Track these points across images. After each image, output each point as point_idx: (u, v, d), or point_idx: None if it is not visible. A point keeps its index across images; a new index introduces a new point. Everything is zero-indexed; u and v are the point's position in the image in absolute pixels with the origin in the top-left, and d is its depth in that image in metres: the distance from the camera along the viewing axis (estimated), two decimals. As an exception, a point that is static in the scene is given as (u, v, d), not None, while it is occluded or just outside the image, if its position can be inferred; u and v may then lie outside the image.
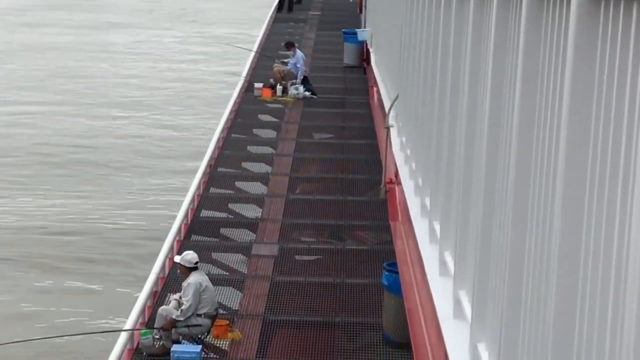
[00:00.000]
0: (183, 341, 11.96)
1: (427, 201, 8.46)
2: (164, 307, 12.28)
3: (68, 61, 40.00)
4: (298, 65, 24.16)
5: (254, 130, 21.77)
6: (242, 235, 15.64)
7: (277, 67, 24.36)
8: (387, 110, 13.70)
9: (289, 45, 25.12)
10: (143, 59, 41.45)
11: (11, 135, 30.44)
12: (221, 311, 12.50)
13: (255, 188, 18.07)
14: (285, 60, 24.79)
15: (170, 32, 48.51)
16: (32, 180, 27.16)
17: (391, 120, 12.96)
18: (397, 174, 11.73)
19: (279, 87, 23.56)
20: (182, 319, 11.75)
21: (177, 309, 11.95)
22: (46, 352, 16.13)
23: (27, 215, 23.84)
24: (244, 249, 15.03)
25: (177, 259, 12.75)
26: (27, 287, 20.09)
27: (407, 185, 10.85)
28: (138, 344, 11.97)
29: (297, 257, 15.00)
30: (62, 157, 28.91)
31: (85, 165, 27.35)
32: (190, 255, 12.30)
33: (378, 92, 18.55)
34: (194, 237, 15.37)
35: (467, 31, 6.38)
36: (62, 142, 30.53)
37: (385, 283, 11.68)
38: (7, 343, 14.03)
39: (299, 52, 24.77)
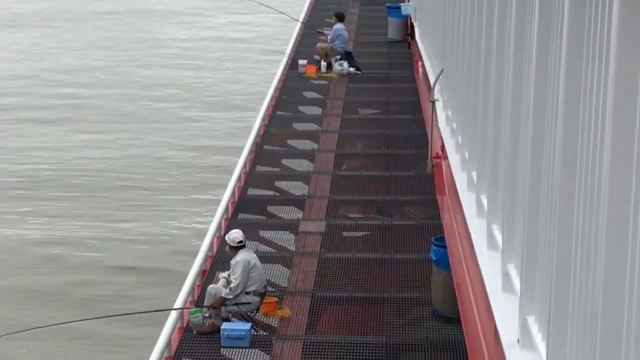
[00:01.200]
0: (232, 319, 11.96)
1: (474, 175, 8.47)
2: (213, 285, 12.27)
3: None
4: (335, 39, 24.14)
5: (299, 107, 21.72)
6: (289, 213, 15.67)
7: (320, 45, 24.37)
8: (432, 84, 13.69)
9: (337, 17, 24.98)
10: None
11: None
12: (270, 288, 12.52)
13: (302, 165, 18.09)
14: (327, 31, 24.71)
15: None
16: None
17: (436, 94, 12.95)
18: (443, 148, 11.73)
19: (323, 64, 23.39)
20: (231, 297, 11.77)
21: (226, 287, 11.97)
22: (98, 332, 16.49)
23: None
24: (292, 226, 15.07)
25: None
26: (76, 267, 20.68)
27: (454, 159, 10.87)
28: (188, 322, 11.99)
29: (345, 234, 15.03)
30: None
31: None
32: (234, 234, 12.35)
33: (423, 66, 18.48)
34: (241, 215, 15.42)
35: (511, 3, 6.36)
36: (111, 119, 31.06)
37: (434, 258, 11.69)
38: (61, 323, 14.49)
39: (335, 26, 24.51)
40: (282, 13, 28.88)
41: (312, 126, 20.46)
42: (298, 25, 27.92)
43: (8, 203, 23.81)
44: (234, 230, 12.62)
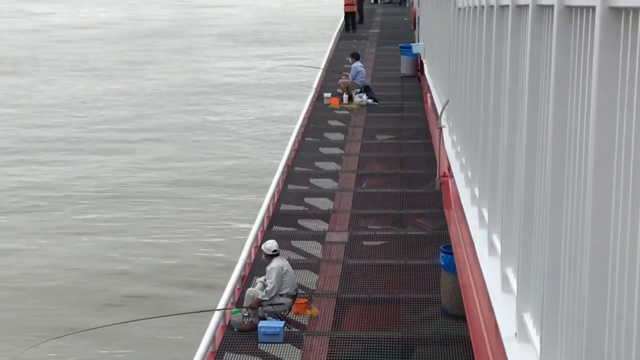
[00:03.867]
0: (268, 318, 11.64)
1: (476, 191, 8.36)
2: (251, 288, 11.93)
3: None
4: (355, 76, 23.91)
5: (324, 134, 21.47)
6: (317, 225, 15.36)
7: (342, 80, 24.17)
8: (439, 112, 13.50)
9: (353, 56, 24.79)
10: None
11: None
12: (300, 291, 12.10)
13: (327, 184, 17.66)
14: (346, 73, 24.58)
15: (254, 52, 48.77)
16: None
17: (443, 122, 12.74)
18: (449, 168, 11.49)
19: (345, 96, 23.16)
20: (267, 298, 11.43)
21: (262, 290, 11.58)
22: (146, 334, 15.68)
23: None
24: (319, 236, 14.74)
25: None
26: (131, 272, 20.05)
27: (459, 177, 10.65)
28: (229, 321, 11.69)
29: (365, 243, 14.57)
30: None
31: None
32: (269, 244, 12.01)
33: (431, 97, 18.13)
34: (275, 228, 15.06)
35: (506, 42, 6.27)
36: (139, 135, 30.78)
37: (442, 263, 11.41)
38: (112, 324, 13.70)
39: (354, 65, 24.26)
40: (314, 67, 29.34)
41: (336, 150, 20.14)
42: (322, 68, 27.99)
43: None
44: (269, 241, 12.28)
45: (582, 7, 3.75)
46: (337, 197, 16.57)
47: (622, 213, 3.06)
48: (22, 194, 24.43)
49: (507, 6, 6.15)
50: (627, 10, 2.99)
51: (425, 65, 21.23)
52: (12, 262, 19.85)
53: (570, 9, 4.03)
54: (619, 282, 3.10)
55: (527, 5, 5.26)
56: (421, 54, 22.71)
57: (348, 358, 11.11)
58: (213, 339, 10.94)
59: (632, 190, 2.91)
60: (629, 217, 2.96)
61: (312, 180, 17.92)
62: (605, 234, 3.27)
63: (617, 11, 3.11)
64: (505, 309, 5.63)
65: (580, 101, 3.81)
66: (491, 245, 7.00)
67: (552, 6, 4.36)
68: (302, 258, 13.82)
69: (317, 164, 19.15)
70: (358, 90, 23.36)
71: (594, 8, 3.35)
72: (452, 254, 10.49)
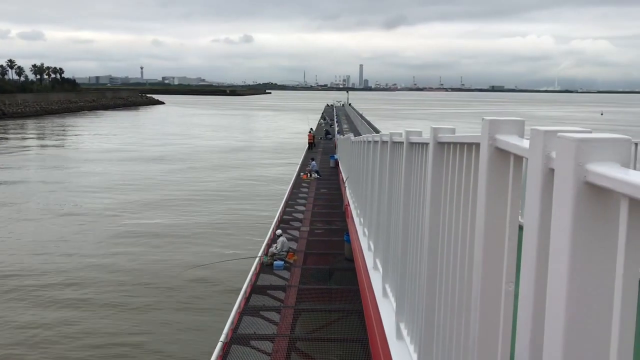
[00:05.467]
0: (278, 260, 17.44)
1: (372, 244, 9.01)
2: (271, 248, 18.04)
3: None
4: (312, 167, 39.01)
5: (301, 188, 33.42)
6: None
7: (307, 169, 39.24)
8: (344, 179, 20.35)
9: (311, 159, 41.16)
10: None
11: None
12: (290, 249, 18.27)
13: (301, 207, 27.64)
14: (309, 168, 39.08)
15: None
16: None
17: (345, 181, 18.94)
18: (348, 203, 15.84)
19: (309, 175, 38.01)
20: (277, 252, 17.76)
21: (276, 249, 17.88)
22: (204, 273, 22.43)
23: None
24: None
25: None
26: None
27: (353, 206, 13.89)
28: (262, 261, 17.21)
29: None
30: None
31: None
32: (278, 232, 18.71)
33: (341, 174, 27.04)
34: (282, 226, 22.60)
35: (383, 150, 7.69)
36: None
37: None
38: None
39: (312, 163, 39.30)
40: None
41: (304, 195, 30.98)
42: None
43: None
44: (278, 230, 19.83)
45: (420, 144, 4.52)
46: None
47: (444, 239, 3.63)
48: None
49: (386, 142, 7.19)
50: (448, 144, 3.57)
51: (339, 162, 35.88)
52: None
53: (412, 145, 4.84)
54: (445, 292, 3.59)
55: (386, 142, 6.88)
56: (338, 159, 38.71)
57: (312, 276, 16.98)
58: (256, 269, 16.76)
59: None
60: (446, 240, 3.57)
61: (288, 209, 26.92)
62: (436, 256, 3.83)
63: (442, 145, 3.72)
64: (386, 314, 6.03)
65: (419, 193, 4.59)
66: (376, 268, 7.97)
67: (402, 143, 5.34)
68: (291, 236, 21.17)
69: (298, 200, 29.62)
70: (314, 171, 38.63)
71: (427, 144, 4.03)
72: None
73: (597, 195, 1.63)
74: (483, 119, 2.59)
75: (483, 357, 2.68)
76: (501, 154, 2.54)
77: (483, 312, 2.63)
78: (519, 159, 2.49)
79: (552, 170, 1.84)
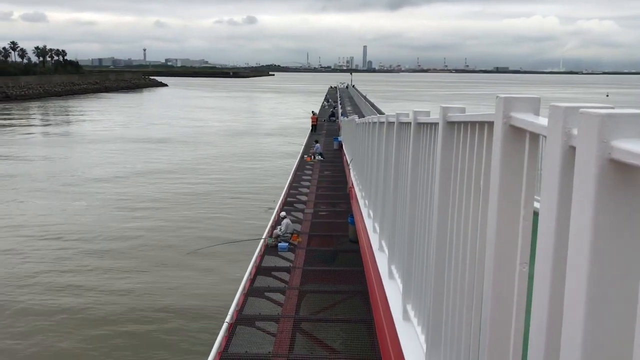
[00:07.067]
0: (282, 242, 17.97)
1: (377, 225, 9.17)
2: (275, 230, 18.44)
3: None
4: (316, 149, 39.31)
5: (305, 170, 34.04)
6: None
7: (311, 151, 40.22)
8: (348, 162, 20.85)
9: (315, 141, 43.08)
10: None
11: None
12: (294, 231, 18.68)
13: (305, 190, 27.87)
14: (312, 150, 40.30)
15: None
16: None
17: (349, 160, 19.58)
18: (352, 185, 16.44)
19: (313, 157, 38.68)
20: (281, 234, 18.30)
21: (280, 230, 18.35)
22: (213, 251, 22.51)
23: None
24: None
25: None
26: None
27: (358, 188, 14.28)
28: (266, 243, 17.77)
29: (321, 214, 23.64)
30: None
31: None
32: (282, 214, 19.11)
33: (345, 156, 28.50)
34: (285, 208, 23.16)
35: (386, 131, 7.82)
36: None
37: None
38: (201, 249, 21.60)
39: (316, 145, 40.23)
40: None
41: (308, 177, 31.68)
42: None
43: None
44: (282, 212, 20.04)
45: (429, 124, 4.54)
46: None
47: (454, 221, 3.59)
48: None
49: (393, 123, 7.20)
50: (458, 124, 3.52)
51: (343, 144, 35.31)
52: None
53: (419, 125, 4.86)
54: (455, 273, 3.56)
55: (392, 123, 6.93)
56: (342, 141, 38.12)
57: (316, 257, 17.22)
58: (260, 251, 17.16)
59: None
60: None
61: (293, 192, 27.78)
62: (444, 240, 3.82)
63: (452, 124, 3.68)
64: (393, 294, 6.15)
65: (427, 175, 4.62)
66: (381, 248, 8.08)
67: (409, 123, 5.34)
68: (294, 218, 21.59)
69: (301, 182, 30.03)
70: (318, 154, 39.10)
71: (436, 124, 4.09)
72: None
73: (622, 173, 1.57)
74: (497, 96, 2.54)
75: (495, 338, 2.65)
76: (516, 132, 2.50)
77: (495, 294, 2.59)
78: (534, 137, 2.45)
79: (573, 148, 1.79)
